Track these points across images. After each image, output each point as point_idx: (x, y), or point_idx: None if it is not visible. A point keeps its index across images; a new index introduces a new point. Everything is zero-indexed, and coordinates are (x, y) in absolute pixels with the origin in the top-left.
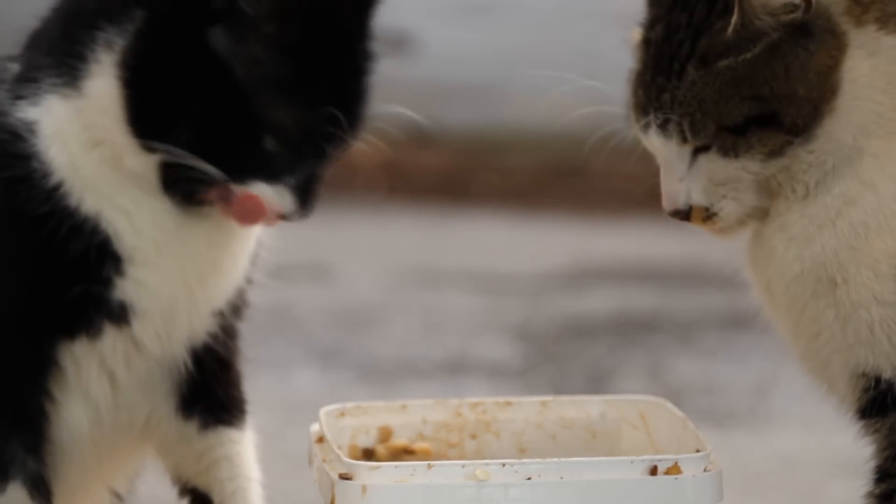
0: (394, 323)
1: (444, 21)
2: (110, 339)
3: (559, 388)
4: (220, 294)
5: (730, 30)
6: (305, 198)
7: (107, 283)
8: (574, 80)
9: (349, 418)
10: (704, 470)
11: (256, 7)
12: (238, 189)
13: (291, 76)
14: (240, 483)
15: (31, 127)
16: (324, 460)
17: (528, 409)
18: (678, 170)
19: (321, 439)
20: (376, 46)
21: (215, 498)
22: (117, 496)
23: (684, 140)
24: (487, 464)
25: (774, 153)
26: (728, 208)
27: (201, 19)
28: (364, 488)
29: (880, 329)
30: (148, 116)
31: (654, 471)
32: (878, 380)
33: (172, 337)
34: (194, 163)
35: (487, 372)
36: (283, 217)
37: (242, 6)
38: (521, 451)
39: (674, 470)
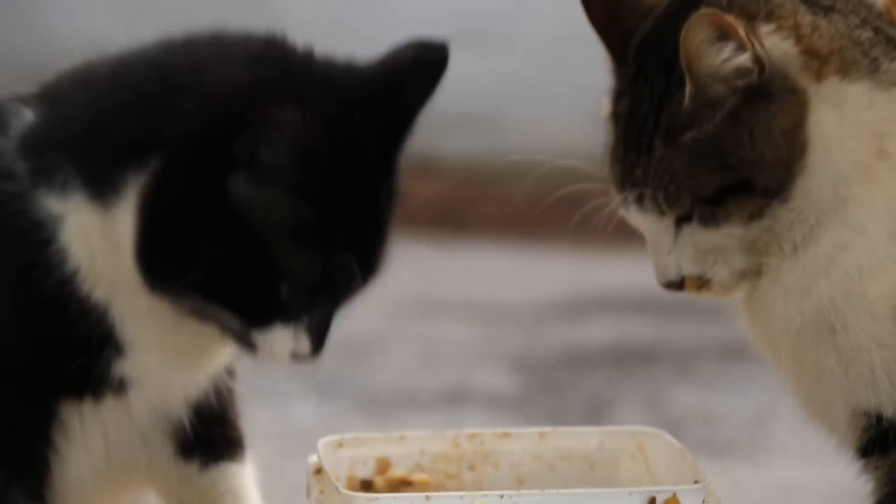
0: (392, 353)
1: None
2: (109, 404)
3: (557, 419)
4: (215, 366)
5: (686, 101)
6: (319, 340)
7: (107, 362)
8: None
9: (347, 449)
10: (703, 501)
11: (278, 157)
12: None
13: (310, 224)
14: None
15: (54, 220)
16: (322, 492)
17: (526, 440)
18: (664, 243)
19: (319, 470)
20: (399, 181)
21: None
22: None
23: (662, 213)
24: (486, 495)
25: (754, 216)
26: (720, 273)
27: (221, 166)
28: None
29: (881, 370)
30: (161, 258)
31: (652, 502)
32: (879, 418)
33: (169, 402)
34: (206, 311)
35: (485, 402)
36: (295, 358)
37: (263, 155)
38: (520, 483)
39: (672, 501)
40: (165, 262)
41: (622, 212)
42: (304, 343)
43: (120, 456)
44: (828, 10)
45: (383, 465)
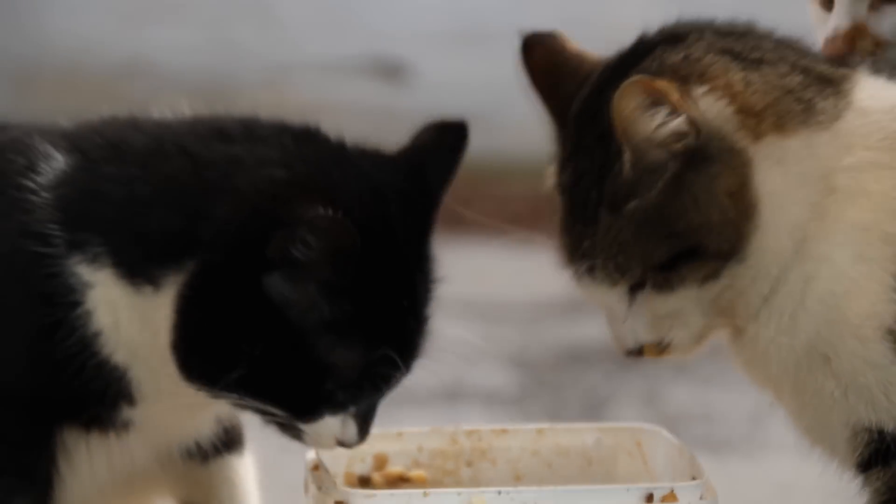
0: None
1: (439, 50)
2: (113, 438)
3: (555, 416)
4: (220, 409)
5: (626, 169)
6: (366, 425)
7: (118, 410)
8: None
9: None
10: (700, 498)
11: (311, 254)
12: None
13: (349, 318)
14: (242, 500)
15: (83, 286)
16: (319, 488)
17: (523, 437)
18: (619, 312)
19: (317, 467)
20: (438, 269)
21: None
22: None
23: (614, 283)
24: (483, 492)
25: (709, 277)
26: (679, 336)
27: (257, 267)
28: None
29: (878, 390)
30: (201, 360)
31: (650, 498)
32: (880, 433)
33: (174, 440)
34: (249, 405)
35: (483, 399)
36: (342, 444)
37: (297, 254)
38: (517, 479)
39: (670, 498)
40: (205, 364)
41: (574, 284)
42: (352, 430)
43: (126, 476)
44: (758, 63)
45: (381, 462)
